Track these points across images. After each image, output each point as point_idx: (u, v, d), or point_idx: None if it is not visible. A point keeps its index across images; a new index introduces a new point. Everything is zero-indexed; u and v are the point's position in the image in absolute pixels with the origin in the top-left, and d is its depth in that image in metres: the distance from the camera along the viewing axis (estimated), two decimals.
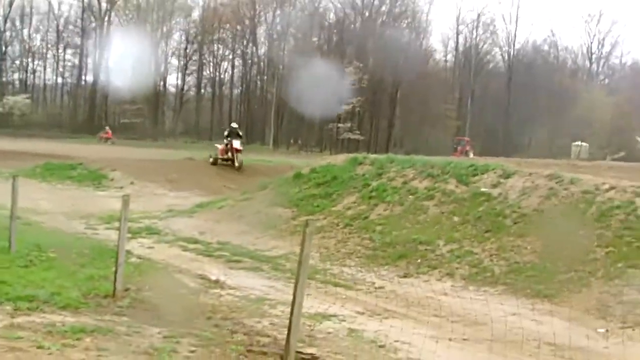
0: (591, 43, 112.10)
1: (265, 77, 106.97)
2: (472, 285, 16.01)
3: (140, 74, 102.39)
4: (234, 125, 47.48)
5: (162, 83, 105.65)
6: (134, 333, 10.17)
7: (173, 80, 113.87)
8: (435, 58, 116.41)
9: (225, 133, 45.63)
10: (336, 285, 16.03)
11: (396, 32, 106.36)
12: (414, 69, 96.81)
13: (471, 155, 64.72)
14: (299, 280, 9.09)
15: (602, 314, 13.48)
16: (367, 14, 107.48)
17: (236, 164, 42.24)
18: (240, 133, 45.86)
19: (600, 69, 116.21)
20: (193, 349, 9.71)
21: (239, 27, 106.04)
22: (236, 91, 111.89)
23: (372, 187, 24.06)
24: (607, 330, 12.57)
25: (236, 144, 43.64)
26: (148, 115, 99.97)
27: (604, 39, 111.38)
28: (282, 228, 22.57)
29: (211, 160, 43.67)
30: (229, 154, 43.59)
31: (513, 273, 16.19)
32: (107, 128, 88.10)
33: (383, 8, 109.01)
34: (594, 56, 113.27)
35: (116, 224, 16.73)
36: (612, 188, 18.81)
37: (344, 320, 12.58)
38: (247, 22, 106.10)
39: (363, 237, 20.39)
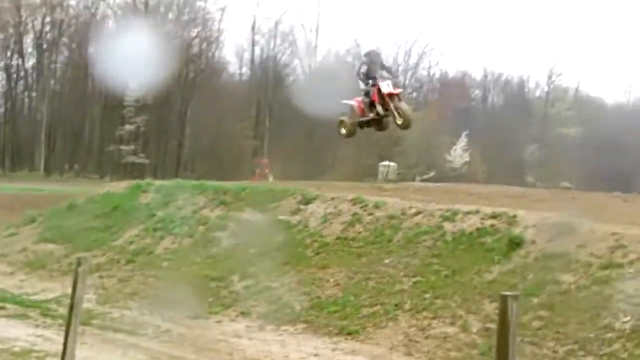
0: (397, 54, 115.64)
1: (34, 94, 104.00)
2: (270, 324, 16.15)
3: None
4: (376, 50, 27.27)
5: None
6: None
7: None
8: (229, 71, 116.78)
9: (363, 69, 23.12)
10: (116, 330, 15.80)
11: (185, 42, 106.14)
12: (206, 83, 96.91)
13: (271, 179, 65.33)
14: (70, 328, 8.87)
15: (409, 349, 13.92)
16: (151, 21, 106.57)
17: (398, 120, 19.81)
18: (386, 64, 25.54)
19: (407, 81, 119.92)
20: None
21: (1, 36, 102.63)
22: None
23: (158, 217, 23.91)
24: None
25: (385, 86, 22.14)
26: None
27: (410, 50, 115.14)
28: (54, 267, 22.02)
29: (343, 130, 21.06)
30: (378, 108, 23.08)
31: (314, 309, 16.46)
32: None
33: (170, 15, 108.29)
34: (400, 67, 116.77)
35: None
36: (419, 212, 19.51)
37: None
38: (10, 30, 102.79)
39: (148, 275, 20.19)
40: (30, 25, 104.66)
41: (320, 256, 19.03)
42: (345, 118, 19.04)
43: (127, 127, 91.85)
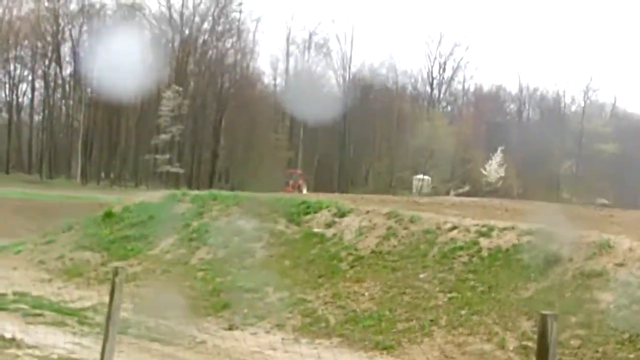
0: (432, 67, 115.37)
1: (71, 102, 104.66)
2: (304, 337, 16.12)
3: None
4: None
5: None
6: None
7: None
8: (264, 82, 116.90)
9: None
10: (152, 340, 15.79)
11: (220, 53, 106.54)
12: (240, 94, 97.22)
13: (304, 190, 65.31)
14: (108, 336, 8.92)
15: None
16: (186, 31, 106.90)
17: None
18: None
19: (441, 94, 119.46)
20: None
21: (39, 44, 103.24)
22: (37, 117, 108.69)
23: (193, 227, 23.98)
24: None
25: None
26: None
27: (445, 63, 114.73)
28: (90, 275, 22.11)
29: None
30: None
31: (349, 323, 16.41)
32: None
33: (205, 25, 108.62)
34: (435, 81, 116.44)
35: None
36: (454, 227, 19.44)
37: None
38: (49, 38, 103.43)
39: (183, 285, 20.22)
40: (67, 34, 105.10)
41: (355, 269, 18.99)
42: None
43: (162, 136, 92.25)
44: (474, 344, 14.40)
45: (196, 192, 29.29)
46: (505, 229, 18.71)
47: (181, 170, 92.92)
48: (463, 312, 15.63)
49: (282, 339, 16.01)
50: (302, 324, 16.81)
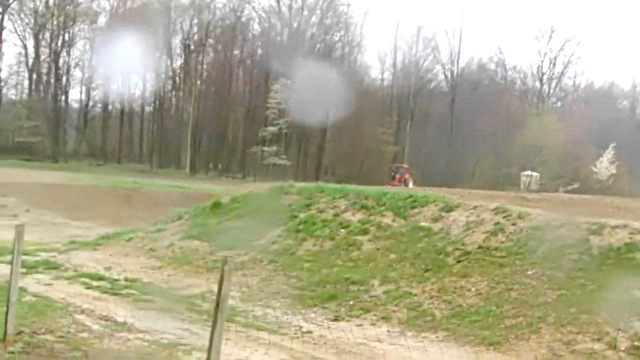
0: (542, 62, 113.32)
1: (181, 94, 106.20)
2: (410, 330, 16.08)
3: (37, 87, 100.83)
4: None
5: (63, 98, 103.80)
6: None
7: (76, 95, 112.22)
8: (371, 76, 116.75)
9: None
10: (259, 329, 15.95)
11: (327, 46, 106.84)
12: (347, 87, 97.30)
13: (410, 184, 65.09)
14: (216, 324, 9.00)
15: None
16: (295, 24, 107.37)
17: None
18: None
19: (551, 90, 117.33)
20: None
21: (151, 37, 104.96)
22: (148, 108, 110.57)
23: (300, 219, 24.11)
24: None
25: None
26: (47, 134, 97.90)
27: (555, 58, 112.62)
28: (199, 264, 22.45)
29: None
30: None
31: (455, 317, 16.32)
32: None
33: (313, 19, 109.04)
34: (544, 76, 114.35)
35: (8, 257, 16.36)
36: (564, 224, 19.12)
37: None
38: (160, 31, 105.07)
39: (289, 276, 20.37)
40: (178, 27, 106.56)
41: (462, 264, 18.86)
42: None
43: (270, 128, 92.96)
44: (582, 342, 14.16)
45: (303, 184, 29.42)
46: (617, 227, 18.32)
47: (288, 163, 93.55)
48: (572, 310, 15.37)
49: (388, 331, 15.99)
50: (408, 317, 16.78)
